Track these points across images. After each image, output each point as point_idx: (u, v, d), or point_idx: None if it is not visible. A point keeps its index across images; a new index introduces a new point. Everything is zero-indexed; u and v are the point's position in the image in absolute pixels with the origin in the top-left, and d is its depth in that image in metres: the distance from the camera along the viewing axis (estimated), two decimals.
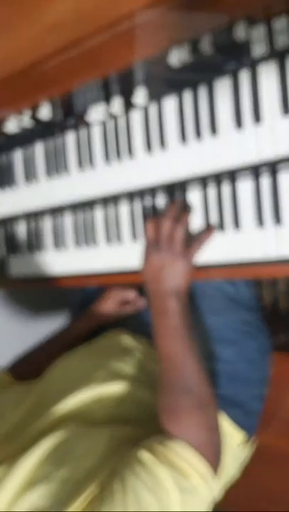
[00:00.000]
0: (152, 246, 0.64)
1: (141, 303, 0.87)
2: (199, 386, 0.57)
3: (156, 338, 0.62)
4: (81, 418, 0.56)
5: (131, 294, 0.88)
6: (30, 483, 0.44)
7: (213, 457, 0.53)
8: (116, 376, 0.63)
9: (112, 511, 0.41)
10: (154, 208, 0.70)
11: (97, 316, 0.88)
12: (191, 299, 0.76)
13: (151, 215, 0.69)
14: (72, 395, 0.59)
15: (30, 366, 0.77)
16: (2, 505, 0.43)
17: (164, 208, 0.68)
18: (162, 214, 0.67)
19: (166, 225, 0.63)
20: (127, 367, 0.67)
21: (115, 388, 0.62)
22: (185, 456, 0.50)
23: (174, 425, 0.54)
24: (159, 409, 0.57)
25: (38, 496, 0.43)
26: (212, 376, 0.69)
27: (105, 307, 0.88)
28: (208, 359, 0.72)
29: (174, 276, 0.61)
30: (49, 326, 1.07)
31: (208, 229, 0.63)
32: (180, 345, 0.59)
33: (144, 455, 0.48)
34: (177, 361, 0.58)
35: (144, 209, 0.71)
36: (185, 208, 0.65)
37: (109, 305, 0.88)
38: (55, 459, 0.47)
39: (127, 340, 0.76)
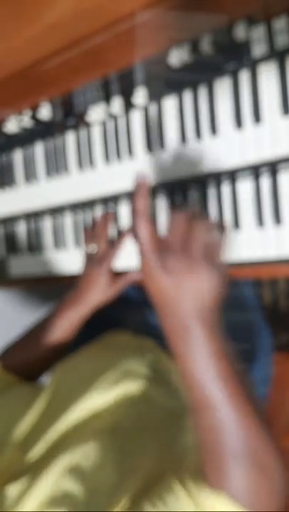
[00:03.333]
0: (158, 255, 0.46)
1: (134, 275, 0.71)
2: (250, 439, 0.42)
3: (182, 377, 0.45)
4: (97, 425, 0.53)
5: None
6: (54, 500, 0.42)
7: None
8: (128, 376, 0.60)
9: None
10: (154, 208, 0.70)
11: (87, 300, 0.73)
12: None
13: (151, 215, 0.69)
14: (83, 400, 0.55)
15: (22, 353, 0.72)
16: None
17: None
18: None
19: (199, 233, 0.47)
20: (138, 366, 0.63)
21: (129, 389, 0.58)
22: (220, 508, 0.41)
23: (219, 482, 0.43)
24: (200, 455, 0.45)
25: None
26: None
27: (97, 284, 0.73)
28: None
29: (195, 290, 0.45)
30: None
31: (223, 229, 0.51)
32: (214, 385, 0.43)
33: (178, 488, 0.42)
34: (215, 408, 0.42)
35: None
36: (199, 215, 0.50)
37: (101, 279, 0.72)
38: (77, 474, 0.44)
39: (131, 340, 0.75)
